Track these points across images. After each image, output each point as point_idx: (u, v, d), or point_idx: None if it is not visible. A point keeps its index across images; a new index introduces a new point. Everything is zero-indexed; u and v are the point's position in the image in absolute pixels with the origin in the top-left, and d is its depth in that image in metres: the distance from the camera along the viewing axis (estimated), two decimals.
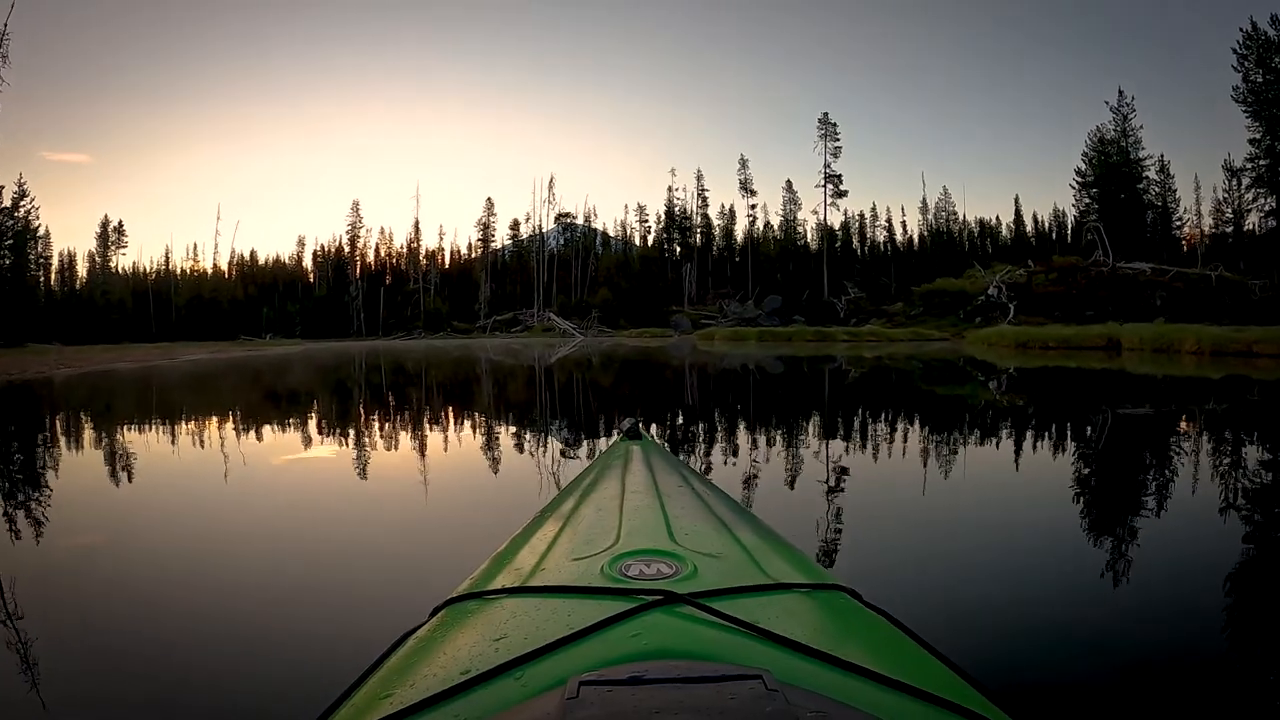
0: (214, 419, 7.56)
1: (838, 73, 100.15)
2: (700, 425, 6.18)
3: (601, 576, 0.77)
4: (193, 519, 3.27)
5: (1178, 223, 46.14)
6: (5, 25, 35.35)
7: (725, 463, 4.27)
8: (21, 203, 44.22)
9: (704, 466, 4.02)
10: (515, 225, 62.74)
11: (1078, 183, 46.74)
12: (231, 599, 2.16)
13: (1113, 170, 43.39)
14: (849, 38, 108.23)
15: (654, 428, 5.60)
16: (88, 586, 2.33)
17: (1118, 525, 2.93)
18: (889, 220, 58.31)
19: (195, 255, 63.16)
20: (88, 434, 6.53)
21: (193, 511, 3.43)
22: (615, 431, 1.89)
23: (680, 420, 6.61)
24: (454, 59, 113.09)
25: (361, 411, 8.09)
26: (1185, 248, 45.02)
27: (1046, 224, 55.55)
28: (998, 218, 57.77)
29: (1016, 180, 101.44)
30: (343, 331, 56.60)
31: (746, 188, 56.99)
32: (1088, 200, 45.97)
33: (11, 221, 43.97)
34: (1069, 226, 53.39)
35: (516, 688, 0.58)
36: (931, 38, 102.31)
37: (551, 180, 69.12)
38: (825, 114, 52.61)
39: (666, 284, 53.88)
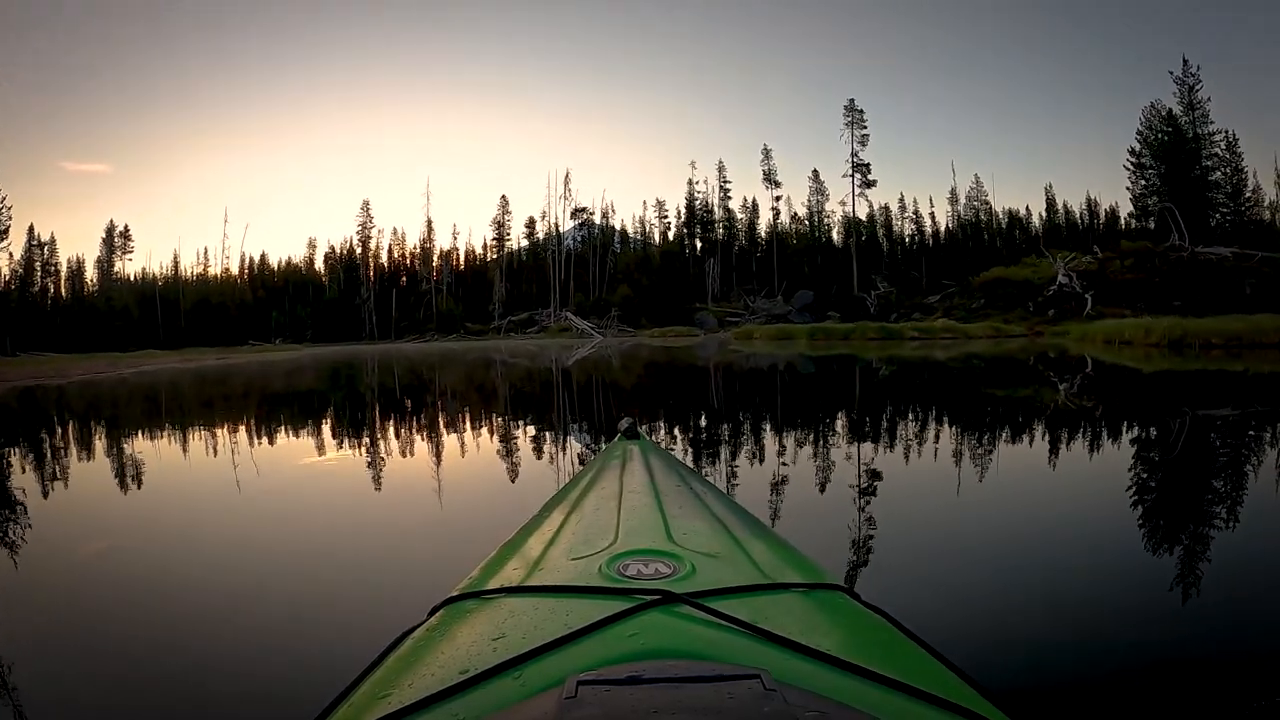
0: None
1: (860, 58, 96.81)
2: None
3: (599, 576, 0.77)
4: (191, 522, 3.32)
5: (1245, 204, 42.34)
6: None
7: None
8: None
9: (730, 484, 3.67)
10: (531, 223, 60.52)
11: (1132, 164, 43.34)
12: (228, 600, 2.16)
13: (1177, 148, 39.85)
14: (872, 22, 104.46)
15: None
16: (86, 589, 2.35)
17: (1123, 528, 2.82)
18: (916, 212, 55.02)
19: (205, 260, 61.63)
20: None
21: (191, 515, 3.48)
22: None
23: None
24: (463, 52, 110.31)
25: (351, 427, 7.40)
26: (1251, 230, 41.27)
27: (1079, 213, 52.29)
28: (1027, 208, 54.36)
29: (1041, 169, 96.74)
30: (355, 334, 55.21)
31: (770, 179, 54.06)
32: (1144, 182, 42.60)
33: None
34: (1103, 215, 50.79)
35: (515, 687, 0.57)
36: (955, 18, 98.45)
37: (568, 175, 66.38)
38: (851, 100, 49.93)
39: (689, 280, 51.13)
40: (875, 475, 3.85)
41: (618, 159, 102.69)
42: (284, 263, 62.19)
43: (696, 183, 56.35)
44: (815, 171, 54.76)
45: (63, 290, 56.22)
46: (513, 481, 4.03)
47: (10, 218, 41.78)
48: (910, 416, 6.63)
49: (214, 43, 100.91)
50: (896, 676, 0.59)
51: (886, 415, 6.62)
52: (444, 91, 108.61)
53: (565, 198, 58.12)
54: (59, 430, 7.81)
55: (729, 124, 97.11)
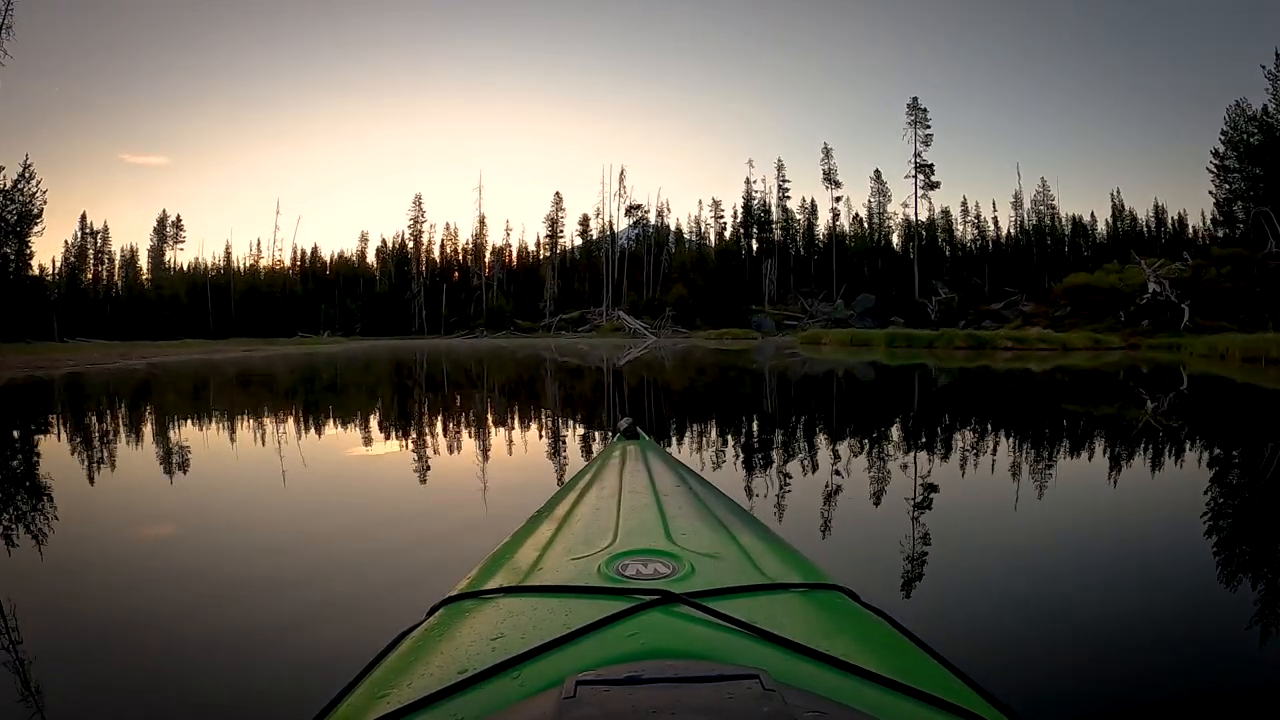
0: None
1: (924, 55, 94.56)
2: None
3: (599, 576, 0.77)
4: (188, 519, 3.27)
5: None
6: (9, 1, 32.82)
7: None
8: (22, 186, 38.32)
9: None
10: (584, 220, 60.04)
11: (1216, 166, 41.43)
12: (228, 599, 2.13)
13: (1269, 149, 37.81)
14: (937, 19, 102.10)
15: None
16: (86, 587, 2.30)
17: (1118, 528, 2.94)
18: (978, 216, 53.53)
19: (257, 251, 62.16)
20: None
21: (188, 512, 3.43)
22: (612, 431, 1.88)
23: None
24: (520, 49, 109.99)
25: (365, 422, 7.38)
26: None
27: (1143, 219, 50.69)
28: (1092, 213, 52.74)
29: (1106, 173, 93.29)
30: (404, 329, 55.37)
31: (830, 179, 53.00)
32: (1229, 186, 40.68)
33: (13, 206, 38.61)
34: (1169, 221, 49.35)
35: (514, 687, 0.57)
36: (1021, 18, 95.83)
37: (623, 173, 65.40)
38: (915, 99, 48.64)
39: (745, 282, 50.35)
40: (931, 489, 3.68)
41: (674, 157, 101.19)
42: (335, 256, 62.83)
43: (754, 182, 55.55)
44: (877, 171, 53.78)
45: (116, 278, 57.11)
46: (523, 481, 4.01)
47: (45, 201, 40.59)
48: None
49: (271, 37, 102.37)
50: (896, 677, 0.58)
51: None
52: (499, 86, 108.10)
53: (620, 195, 57.70)
54: None
55: (788, 122, 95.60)
